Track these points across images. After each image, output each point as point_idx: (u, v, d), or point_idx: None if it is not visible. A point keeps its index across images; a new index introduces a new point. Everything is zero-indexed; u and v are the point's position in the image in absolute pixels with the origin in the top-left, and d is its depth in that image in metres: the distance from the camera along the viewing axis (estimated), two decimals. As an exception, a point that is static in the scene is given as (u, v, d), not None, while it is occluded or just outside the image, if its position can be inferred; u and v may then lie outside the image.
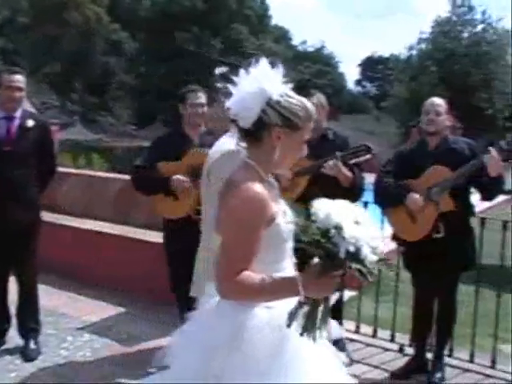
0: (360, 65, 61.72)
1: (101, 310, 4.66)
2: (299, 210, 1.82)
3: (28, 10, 40.48)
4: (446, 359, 3.75)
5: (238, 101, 1.81)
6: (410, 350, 3.89)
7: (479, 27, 33.17)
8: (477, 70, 30.88)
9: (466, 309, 4.04)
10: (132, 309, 4.71)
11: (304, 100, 1.88)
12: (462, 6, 33.35)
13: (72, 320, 4.46)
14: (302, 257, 1.76)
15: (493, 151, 3.29)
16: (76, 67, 39.85)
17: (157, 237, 4.15)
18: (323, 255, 1.69)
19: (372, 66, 59.29)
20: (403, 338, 4.03)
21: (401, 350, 4.00)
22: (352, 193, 3.48)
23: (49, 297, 4.65)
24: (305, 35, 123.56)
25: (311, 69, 50.00)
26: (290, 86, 1.86)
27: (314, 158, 3.40)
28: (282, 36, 54.03)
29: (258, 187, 1.78)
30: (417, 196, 3.48)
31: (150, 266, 4.60)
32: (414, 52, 34.80)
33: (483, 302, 3.88)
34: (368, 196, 3.79)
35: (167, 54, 41.96)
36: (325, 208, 1.74)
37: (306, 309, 1.76)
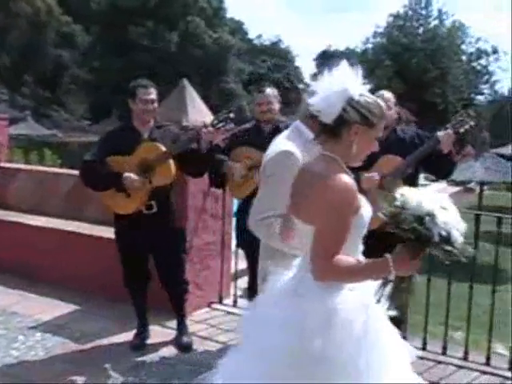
0: (315, 59, 62.10)
1: (54, 308, 4.55)
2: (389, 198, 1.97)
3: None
4: (400, 348, 3.82)
5: (323, 98, 1.99)
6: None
7: (433, 23, 33.80)
8: (432, 65, 31.51)
9: (419, 298, 4.12)
10: (86, 306, 4.61)
11: (378, 100, 2.06)
12: (419, 0, 33.90)
13: (24, 319, 4.33)
14: (392, 240, 1.94)
15: (448, 130, 3.46)
16: (26, 60, 38.68)
17: (111, 232, 4.08)
18: (413, 239, 1.88)
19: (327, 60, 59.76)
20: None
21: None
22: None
23: (-1, 296, 4.53)
24: (260, 29, 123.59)
25: (267, 63, 50.05)
26: (368, 87, 2.04)
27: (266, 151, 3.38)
28: (238, 29, 53.84)
29: (347, 178, 1.95)
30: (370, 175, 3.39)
31: (105, 262, 4.52)
32: (370, 45, 35.23)
33: (435, 291, 3.97)
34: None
35: (122, 48, 41.28)
36: (414, 196, 1.92)
37: (391, 286, 1.97)
